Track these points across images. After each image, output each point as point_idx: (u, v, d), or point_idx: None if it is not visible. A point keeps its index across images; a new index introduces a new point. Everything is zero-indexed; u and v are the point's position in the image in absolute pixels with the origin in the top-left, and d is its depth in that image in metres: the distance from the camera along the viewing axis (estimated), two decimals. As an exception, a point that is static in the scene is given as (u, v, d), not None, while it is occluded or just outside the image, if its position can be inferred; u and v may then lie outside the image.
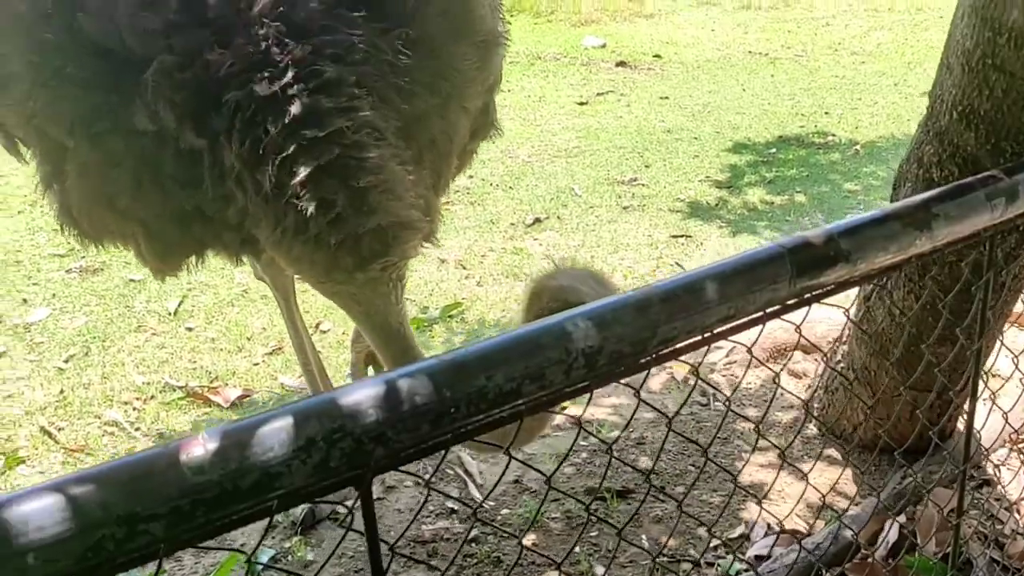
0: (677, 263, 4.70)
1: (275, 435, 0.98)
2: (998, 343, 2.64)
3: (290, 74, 1.81)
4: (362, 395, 1.04)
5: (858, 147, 6.50)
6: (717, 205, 5.53)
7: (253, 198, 1.85)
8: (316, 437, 0.99)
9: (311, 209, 1.82)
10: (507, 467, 1.43)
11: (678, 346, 1.31)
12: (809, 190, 5.76)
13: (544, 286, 1.95)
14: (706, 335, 1.33)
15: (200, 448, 0.95)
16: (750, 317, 1.38)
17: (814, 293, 1.45)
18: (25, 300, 4.31)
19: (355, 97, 1.86)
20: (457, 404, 1.08)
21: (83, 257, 4.73)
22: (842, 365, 3.09)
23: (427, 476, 2.85)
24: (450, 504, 2.94)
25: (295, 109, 1.80)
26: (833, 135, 6.85)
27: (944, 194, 1.58)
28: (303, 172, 1.80)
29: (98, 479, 0.91)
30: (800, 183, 5.89)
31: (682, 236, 5.08)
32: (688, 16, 11.90)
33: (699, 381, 3.52)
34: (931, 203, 1.54)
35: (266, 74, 1.80)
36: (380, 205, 1.88)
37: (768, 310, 1.40)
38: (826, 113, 7.46)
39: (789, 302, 1.41)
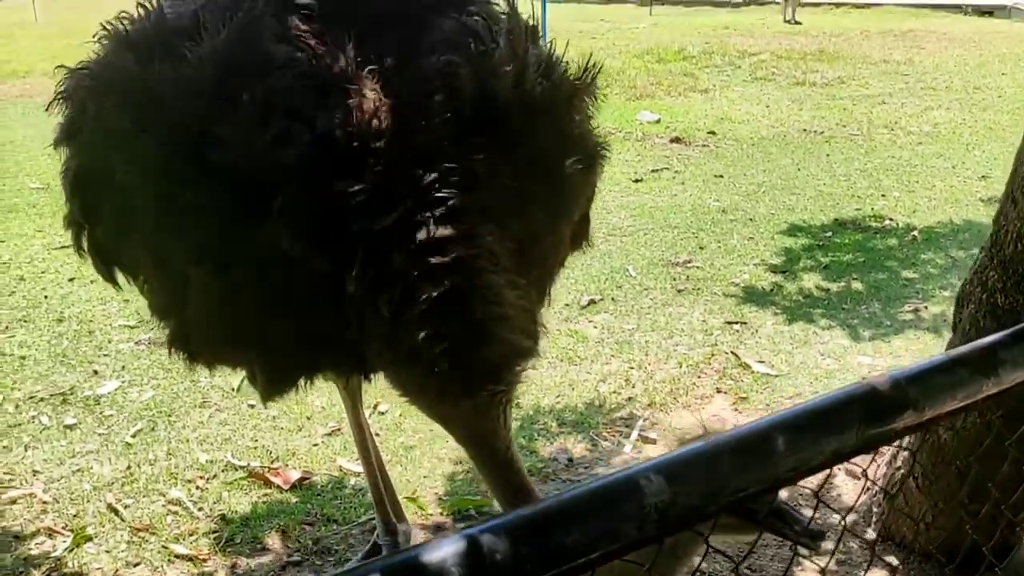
0: (733, 352, 4.70)
1: (364, 596, 1.03)
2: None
3: (416, 202, 1.86)
4: (446, 552, 1.09)
5: (915, 232, 6.47)
6: (772, 291, 5.54)
7: (371, 323, 1.89)
8: (404, 597, 1.04)
9: (425, 337, 1.85)
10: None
11: (747, 494, 1.34)
12: (866, 277, 5.73)
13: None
14: (773, 484, 1.36)
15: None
16: (816, 464, 1.41)
17: (881, 439, 1.47)
18: (96, 372, 4.47)
19: (477, 224, 1.91)
20: (532, 560, 1.13)
21: (152, 329, 4.90)
22: (902, 471, 3.06)
23: None
24: None
25: (421, 236, 1.84)
26: (890, 219, 6.82)
27: (1011, 337, 1.60)
28: (423, 300, 1.84)
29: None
30: (856, 269, 5.87)
31: (737, 322, 5.08)
32: (743, 91, 12.03)
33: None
34: (998, 348, 1.56)
35: (393, 202, 1.85)
36: (494, 335, 1.91)
37: (834, 456, 1.43)
38: (883, 195, 7.44)
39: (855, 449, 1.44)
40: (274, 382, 2.15)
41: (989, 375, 1.54)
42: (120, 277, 2.30)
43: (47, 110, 2.38)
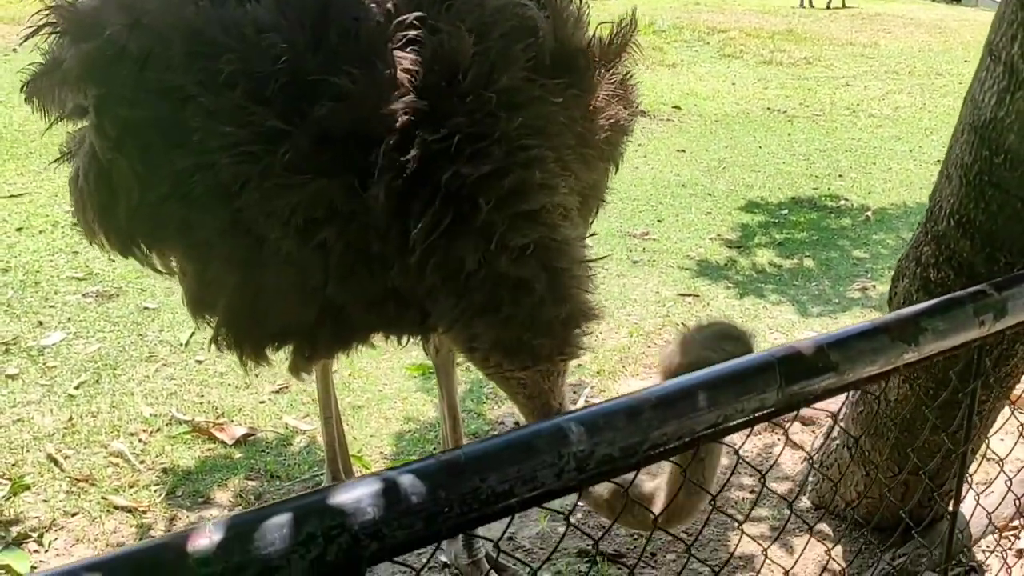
0: (684, 323, 4.75)
1: (277, 529, 1.04)
2: (998, 422, 2.68)
3: (503, 149, 1.84)
4: (362, 492, 1.10)
5: (869, 213, 6.57)
6: (726, 265, 5.60)
7: (443, 276, 1.86)
8: (316, 532, 1.05)
9: (510, 289, 1.83)
10: (507, 527, 1.48)
11: (667, 448, 1.37)
12: (818, 255, 5.82)
13: (677, 364, 1.78)
14: (695, 438, 1.39)
15: (206, 540, 1.01)
16: (738, 422, 1.44)
17: (802, 399, 1.50)
18: (41, 323, 4.40)
19: (556, 175, 1.90)
20: (451, 504, 1.14)
21: (100, 281, 4.83)
22: (837, 442, 3.13)
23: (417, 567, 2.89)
24: (443, 558, 2.98)
25: (509, 184, 1.83)
26: (846, 199, 6.92)
27: (934, 308, 1.64)
28: (510, 250, 1.82)
29: (109, 566, 0.97)
30: (809, 247, 5.95)
31: (690, 295, 5.13)
32: (710, 68, 12.05)
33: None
34: (920, 317, 1.60)
35: (479, 149, 1.83)
36: (571, 292, 1.90)
37: (756, 415, 1.46)
38: (840, 176, 7.54)
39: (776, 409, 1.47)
40: (340, 341, 2.10)
41: (910, 342, 1.57)
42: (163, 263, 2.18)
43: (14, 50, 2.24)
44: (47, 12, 2.12)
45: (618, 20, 2.27)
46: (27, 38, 2.18)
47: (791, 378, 1.44)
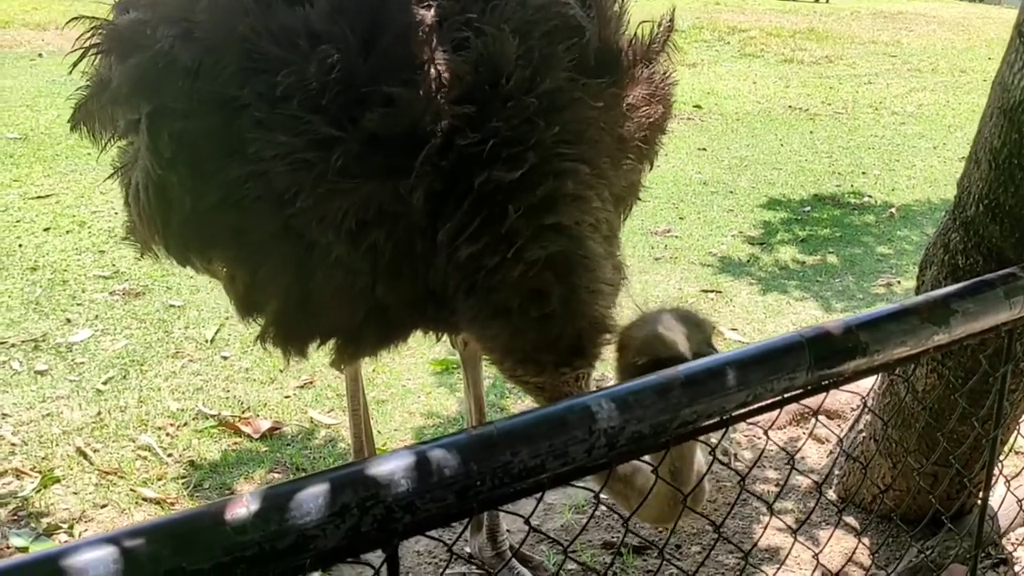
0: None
1: (313, 500, 1.05)
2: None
3: (538, 156, 1.85)
4: (395, 465, 1.11)
5: (893, 210, 6.52)
6: (749, 261, 5.58)
7: (465, 275, 1.89)
8: (351, 503, 1.07)
9: (522, 298, 1.85)
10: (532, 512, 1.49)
11: (696, 427, 1.37)
12: (842, 251, 5.78)
13: (630, 338, 1.85)
14: (724, 418, 1.39)
15: (243, 509, 1.02)
16: (768, 402, 1.44)
17: (831, 381, 1.50)
18: (69, 320, 4.45)
19: (589, 187, 1.91)
20: (483, 477, 1.15)
21: (126, 280, 4.88)
22: (864, 434, 3.11)
23: (451, 541, 2.90)
24: (467, 549, 2.98)
25: (541, 193, 1.84)
26: (869, 196, 6.87)
27: (964, 290, 1.63)
28: (530, 259, 1.84)
29: (150, 534, 0.99)
30: (833, 244, 5.92)
31: (712, 291, 5.12)
32: (731, 67, 12.01)
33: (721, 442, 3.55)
34: (950, 299, 1.59)
35: (514, 154, 1.84)
36: (585, 309, 1.90)
37: (786, 395, 1.46)
38: (863, 173, 7.49)
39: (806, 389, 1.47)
40: (374, 347, 2.13)
41: (940, 324, 1.57)
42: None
43: (70, 65, 2.21)
44: (90, 33, 2.15)
45: (657, 19, 2.28)
46: (76, 64, 2.20)
47: (821, 359, 1.44)
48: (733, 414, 1.40)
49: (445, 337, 2.50)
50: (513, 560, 2.90)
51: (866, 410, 3.14)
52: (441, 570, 2.91)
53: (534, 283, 1.87)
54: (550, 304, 1.88)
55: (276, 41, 1.86)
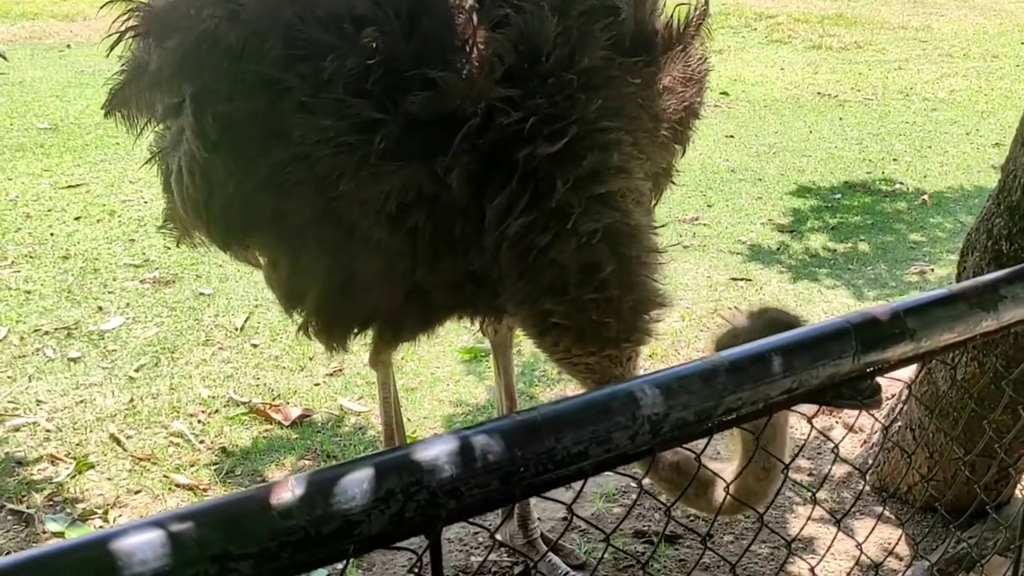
0: (736, 308, 4.69)
1: (357, 485, 1.04)
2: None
3: (581, 130, 1.86)
4: (439, 450, 1.09)
5: (926, 197, 6.42)
6: (779, 249, 5.52)
7: (516, 255, 1.88)
8: (395, 489, 1.06)
9: (578, 273, 1.85)
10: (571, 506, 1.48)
11: (741, 414, 1.35)
12: (873, 239, 5.71)
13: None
14: (769, 404, 1.37)
15: (289, 493, 1.01)
16: (812, 388, 1.41)
17: (876, 368, 1.47)
18: (100, 308, 4.49)
19: (632, 158, 1.91)
20: (527, 463, 1.14)
21: (157, 268, 4.91)
22: (899, 424, 3.07)
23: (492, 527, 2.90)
24: (498, 537, 2.98)
25: (588, 165, 1.84)
26: (900, 183, 6.78)
27: (1013, 275, 1.59)
28: (586, 231, 1.83)
29: (196, 518, 0.98)
30: (864, 231, 5.84)
31: (742, 279, 5.07)
32: (758, 53, 11.88)
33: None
34: (999, 284, 1.55)
35: (557, 129, 1.84)
36: (640, 279, 1.91)
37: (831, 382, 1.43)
38: (894, 160, 7.38)
39: (852, 376, 1.44)
40: (413, 331, 2.13)
41: (988, 310, 1.53)
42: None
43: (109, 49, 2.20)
44: (126, 15, 2.15)
45: (692, 3, 2.27)
46: (112, 47, 2.20)
47: (867, 345, 1.41)
48: (777, 400, 1.37)
49: (473, 324, 2.49)
50: (544, 548, 2.89)
51: (903, 399, 3.09)
52: (471, 557, 2.92)
53: (589, 256, 1.86)
54: (606, 277, 1.87)
55: (322, 26, 1.86)
